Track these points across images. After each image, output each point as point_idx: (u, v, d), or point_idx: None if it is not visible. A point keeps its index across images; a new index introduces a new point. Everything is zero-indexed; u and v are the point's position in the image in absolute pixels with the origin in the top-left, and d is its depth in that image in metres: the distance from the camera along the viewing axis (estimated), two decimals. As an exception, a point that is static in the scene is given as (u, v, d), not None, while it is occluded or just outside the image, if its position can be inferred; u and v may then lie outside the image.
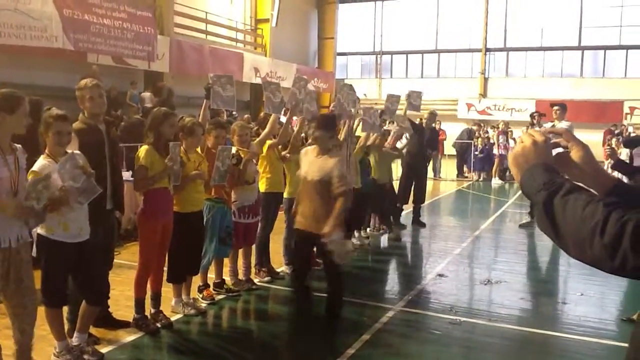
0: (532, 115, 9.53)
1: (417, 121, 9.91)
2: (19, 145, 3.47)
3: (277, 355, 4.50)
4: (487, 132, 18.82)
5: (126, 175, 6.42)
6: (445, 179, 17.75)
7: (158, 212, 4.53)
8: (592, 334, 4.87)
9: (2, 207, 3.27)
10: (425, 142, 9.52)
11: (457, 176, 18.24)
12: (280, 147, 6.19)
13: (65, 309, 4.01)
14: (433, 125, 10.40)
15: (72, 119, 3.92)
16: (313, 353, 4.43)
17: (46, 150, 3.69)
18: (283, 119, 6.56)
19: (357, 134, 7.61)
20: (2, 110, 3.26)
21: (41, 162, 3.61)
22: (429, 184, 16.78)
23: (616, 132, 19.30)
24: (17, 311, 3.48)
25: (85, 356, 3.89)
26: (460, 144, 18.62)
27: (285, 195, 6.22)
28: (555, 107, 9.23)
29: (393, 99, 8.02)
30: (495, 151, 17.42)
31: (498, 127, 18.05)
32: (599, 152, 19.01)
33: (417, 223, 9.65)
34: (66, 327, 4.06)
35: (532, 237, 9.20)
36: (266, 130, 5.90)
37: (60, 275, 3.74)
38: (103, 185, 4.03)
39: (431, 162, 17.49)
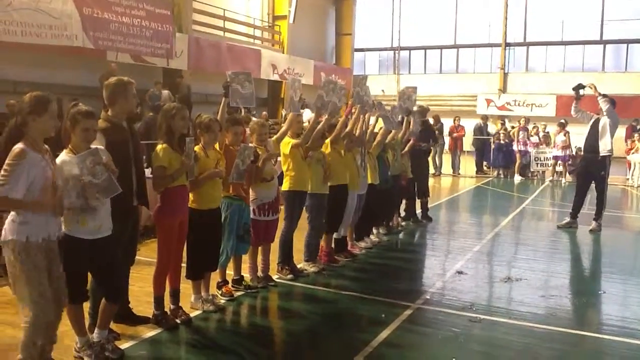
0: (576, 88, 9.15)
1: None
2: (46, 146, 3.55)
3: (294, 352, 4.49)
4: (505, 127, 18.48)
5: (146, 172, 6.43)
6: (464, 176, 17.63)
7: (175, 209, 4.55)
8: (615, 332, 4.80)
9: (44, 206, 3.38)
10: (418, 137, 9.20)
11: (477, 172, 18.10)
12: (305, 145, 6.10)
13: (86, 304, 4.05)
14: (425, 119, 10.02)
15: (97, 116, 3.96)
16: (330, 350, 4.41)
17: (69, 145, 3.72)
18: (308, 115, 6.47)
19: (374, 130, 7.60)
20: (32, 113, 3.35)
21: (63, 156, 3.65)
22: (446, 180, 16.73)
23: (638, 127, 18.98)
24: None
25: (106, 352, 3.93)
26: (477, 140, 18.45)
27: (308, 191, 6.16)
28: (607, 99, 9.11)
29: (405, 96, 8.05)
30: (515, 147, 17.24)
31: (519, 123, 17.85)
32: (621, 147, 18.77)
33: (426, 218, 9.64)
34: (87, 322, 4.09)
35: (552, 234, 9.10)
36: (284, 128, 5.88)
37: (78, 272, 3.77)
38: (128, 182, 4.06)
39: (436, 157, 17.35)
